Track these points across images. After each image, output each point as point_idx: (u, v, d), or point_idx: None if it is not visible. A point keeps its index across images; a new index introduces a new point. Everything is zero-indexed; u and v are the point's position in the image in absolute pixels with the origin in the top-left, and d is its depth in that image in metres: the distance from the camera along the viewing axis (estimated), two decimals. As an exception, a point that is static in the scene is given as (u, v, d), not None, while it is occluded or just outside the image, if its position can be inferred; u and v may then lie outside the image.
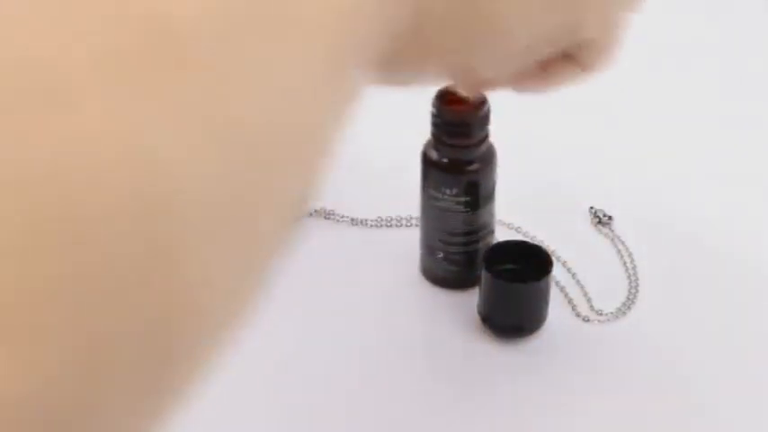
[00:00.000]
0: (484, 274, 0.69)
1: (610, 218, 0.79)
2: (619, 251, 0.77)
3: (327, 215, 0.80)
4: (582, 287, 0.75)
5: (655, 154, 0.85)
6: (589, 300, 0.74)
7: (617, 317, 0.73)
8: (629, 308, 0.73)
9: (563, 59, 0.45)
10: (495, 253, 0.70)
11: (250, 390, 0.68)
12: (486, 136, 0.70)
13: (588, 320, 0.73)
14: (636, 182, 0.83)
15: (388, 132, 0.85)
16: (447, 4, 0.37)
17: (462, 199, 0.70)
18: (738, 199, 0.81)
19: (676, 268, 0.76)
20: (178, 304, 0.26)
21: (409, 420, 0.67)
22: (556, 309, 0.72)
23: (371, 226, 0.79)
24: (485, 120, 0.69)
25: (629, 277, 0.75)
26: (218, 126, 0.26)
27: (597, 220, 0.79)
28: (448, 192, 0.70)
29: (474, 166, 0.70)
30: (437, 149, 0.70)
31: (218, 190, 0.26)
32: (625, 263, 0.76)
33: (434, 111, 0.69)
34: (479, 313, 0.71)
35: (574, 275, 0.76)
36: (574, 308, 0.73)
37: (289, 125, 0.28)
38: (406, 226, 0.79)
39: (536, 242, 0.76)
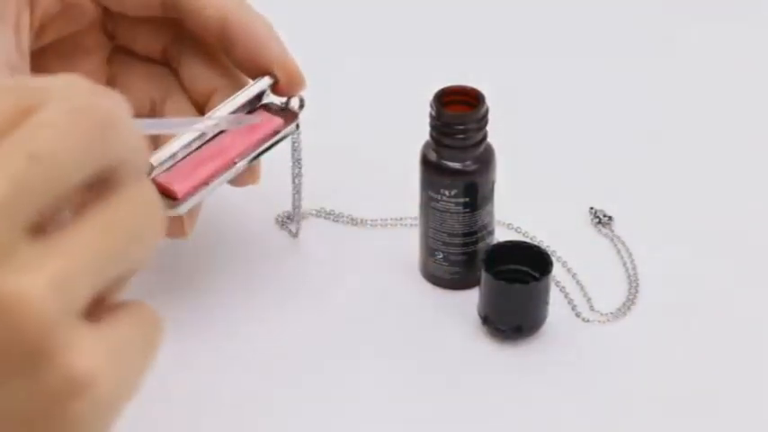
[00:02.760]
0: (484, 275, 0.69)
1: (610, 218, 0.79)
2: (619, 251, 0.77)
3: (327, 215, 0.79)
4: (582, 287, 0.75)
5: (655, 154, 0.85)
6: (589, 300, 0.74)
7: (617, 317, 0.73)
8: (629, 308, 0.73)
9: None
10: (494, 253, 0.70)
11: (248, 389, 0.68)
12: (485, 137, 0.70)
13: (588, 321, 0.73)
14: (636, 182, 0.82)
15: (388, 132, 0.85)
16: None
17: (461, 200, 0.70)
18: (739, 198, 0.81)
19: (676, 269, 0.76)
20: None
21: (409, 421, 0.67)
22: (556, 309, 0.72)
23: (371, 226, 0.79)
24: (483, 121, 0.69)
25: (629, 277, 0.75)
26: None
27: (597, 220, 0.79)
28: (447, 193, 0.70)
29: (473, 168, 0.70)
30: (436, 151, 0.70)
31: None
32: (625, 263, 0.76)
33: (433, 112, 0.69)
34: (479, 314, 0.71)
35: (574, 275, 0.76)
36: (574, 308, 0.73)
37: None
38: (406, 226, 0.78)
39: (536, 242, 0.76)
